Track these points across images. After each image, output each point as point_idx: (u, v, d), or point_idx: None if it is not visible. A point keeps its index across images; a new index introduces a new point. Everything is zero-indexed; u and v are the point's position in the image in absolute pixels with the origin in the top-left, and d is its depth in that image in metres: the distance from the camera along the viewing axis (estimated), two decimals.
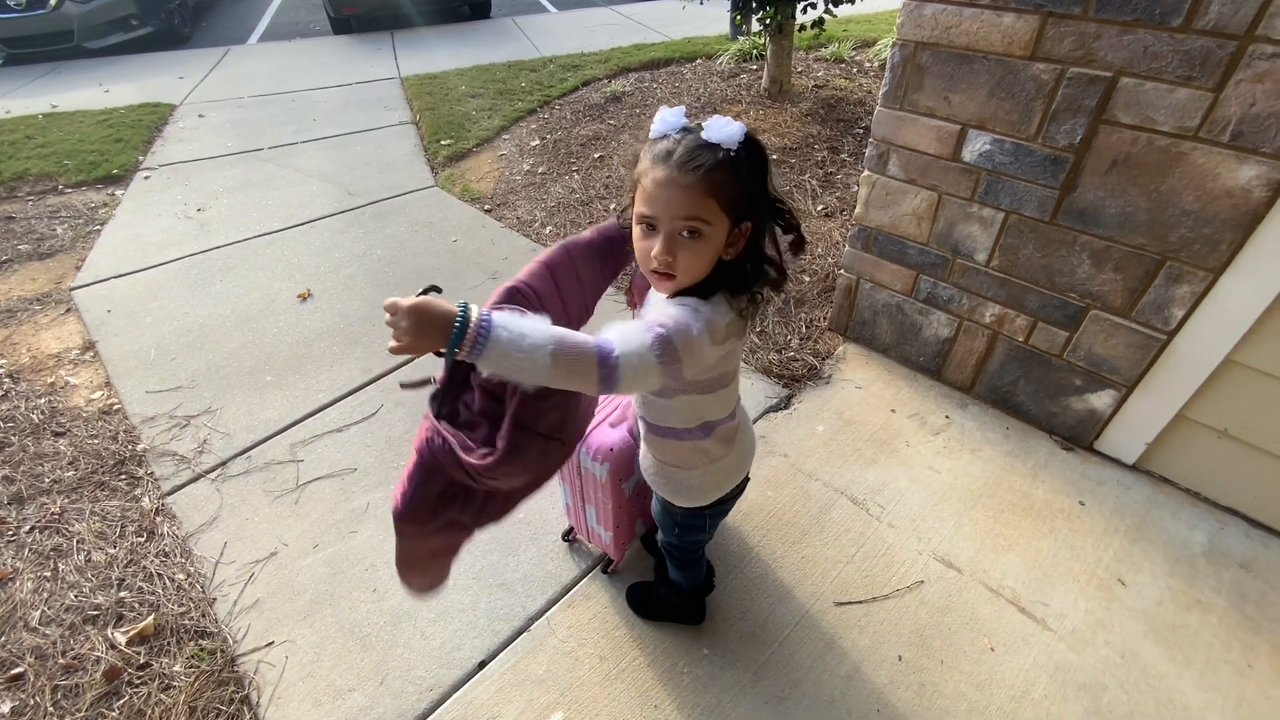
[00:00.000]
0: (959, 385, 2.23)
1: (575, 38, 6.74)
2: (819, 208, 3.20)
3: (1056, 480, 1.94)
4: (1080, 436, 2.02)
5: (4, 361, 2.58)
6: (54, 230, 3.48)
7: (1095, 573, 1.70)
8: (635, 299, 1.24)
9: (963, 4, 1.68)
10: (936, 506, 1.88)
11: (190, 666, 1.57)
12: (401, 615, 1.66)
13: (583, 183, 3.63)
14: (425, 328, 0.73)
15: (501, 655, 1.56)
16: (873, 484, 1.94)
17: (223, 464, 2.11)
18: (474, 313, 0.75)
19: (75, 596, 1.72)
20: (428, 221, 3.41)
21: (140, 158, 4.28)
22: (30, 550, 1.83)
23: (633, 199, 0.95)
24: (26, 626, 1.65)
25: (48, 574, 1.78)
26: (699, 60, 5.48)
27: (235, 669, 1.57)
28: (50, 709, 1.48)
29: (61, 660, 1.58)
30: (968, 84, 1.76)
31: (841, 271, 2.35)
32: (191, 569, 1.80)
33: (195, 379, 2.46)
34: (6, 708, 1.49)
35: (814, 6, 4.01)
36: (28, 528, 1.90)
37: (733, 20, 5.95)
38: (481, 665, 1.55)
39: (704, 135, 0.88)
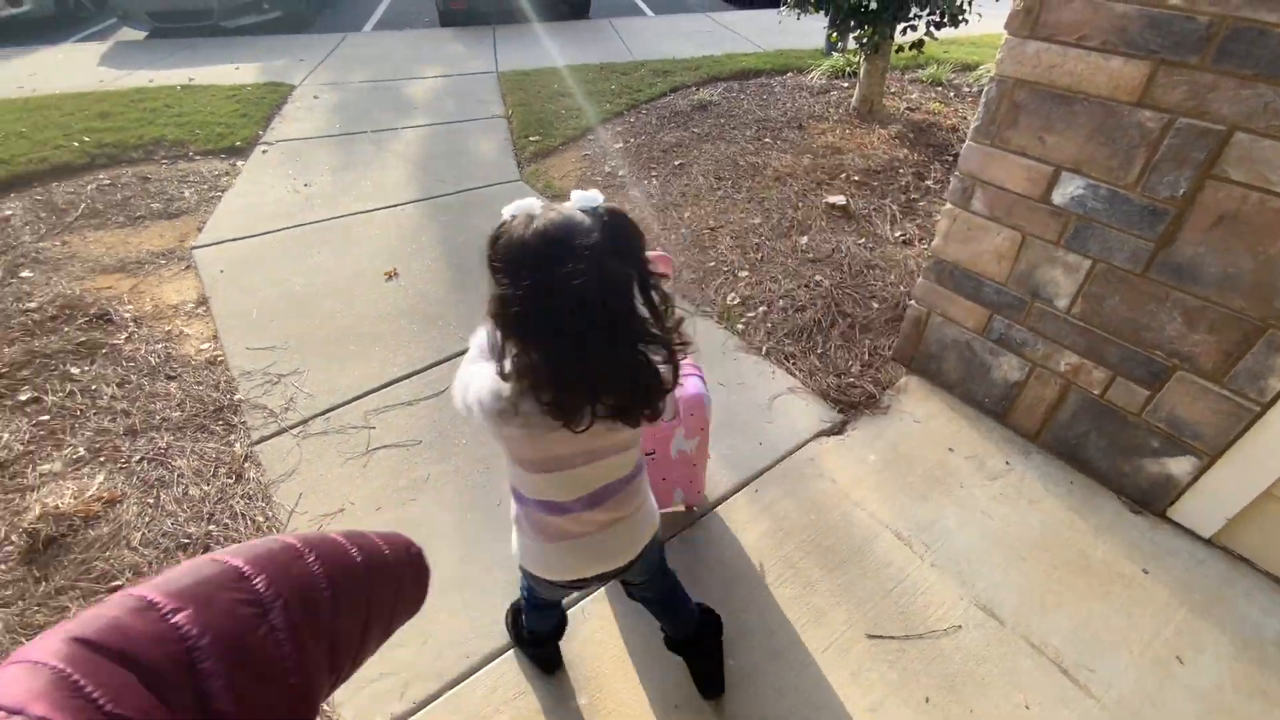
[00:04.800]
0: (1024, 432, 2.15)
1: (669, 43, 6.83)
2: (897, 234, 3.15)
3: (1120, 543, 1.85)
4: (1152, 501, 1.91)
5: (131, 308, 2.89)
6: (182, 193, 3.86)
7: (1151, 645, 1.62)
8: None
9: (1069, 44, 1.64)
10: (985, 552, 1.83)
11: None
12: (449, 584, 1.77)
13: (660, 188, 3.70)
14: None
15: None
16: (920, 521, 1.91)
17: (304, 421, 2.30)
18: None
19: (171, 524, 1.93)
20: None
21: (260, 132, 4.66)
22: (138, 479, 2.07)
23: None
24: (128, 546, 1.86)
25: (150, 501, 2.00)
26: (790, 74, 5.46)
27: None
28: None
29: None
30: (1065, 125, 1.70)
31: (912, 302, 2.32)
32: (270, 514, 1.98)
33: (289, 340, 2.68)
34: None
35: (914, 28, 3.92)
36: (138, 458, 2.14)
37: (828, 36, 5.88)
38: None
39: None
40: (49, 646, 0.37)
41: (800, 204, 3.39)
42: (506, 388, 0.89)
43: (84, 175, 4.07)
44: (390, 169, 4.14)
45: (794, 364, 2.44)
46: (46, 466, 2.11)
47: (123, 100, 5.07)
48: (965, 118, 4.21)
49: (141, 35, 7.37)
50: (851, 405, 2.28)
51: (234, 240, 3.38)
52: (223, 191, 3.89)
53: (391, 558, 0.65)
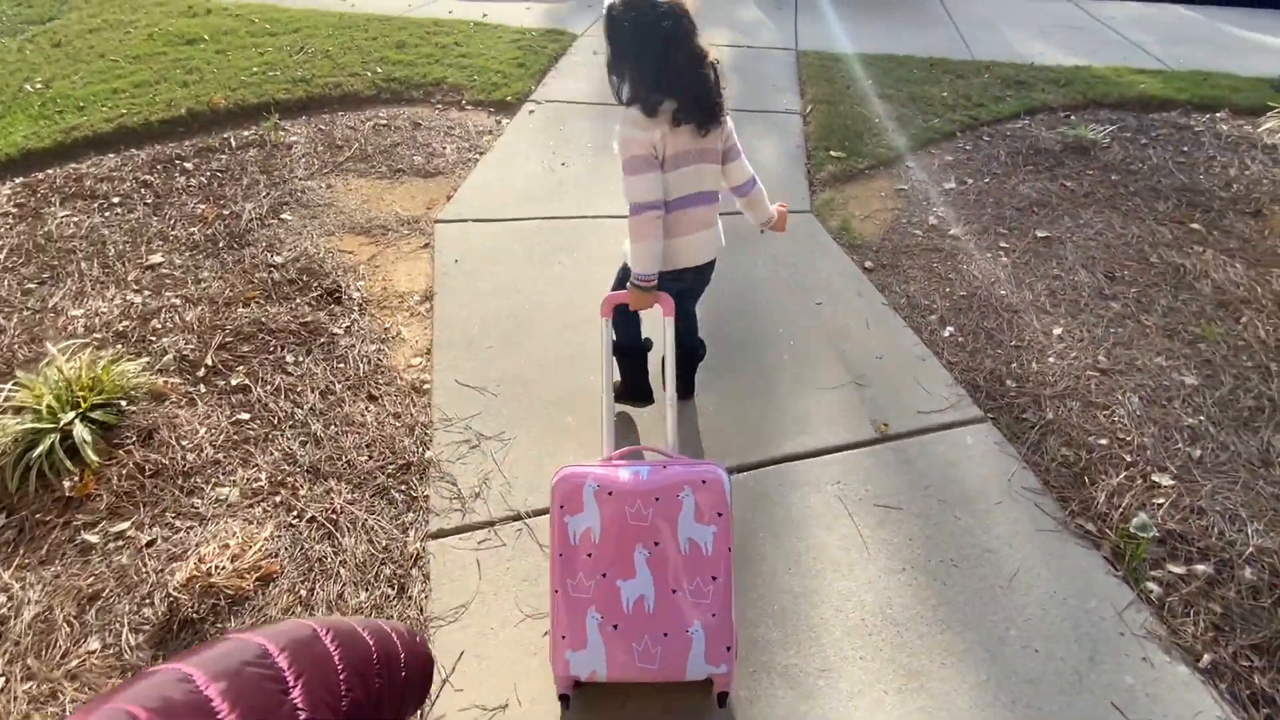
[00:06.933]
0: None
1: (1021, 39, 5.27)
2: None
3: None
4: None
5: (362, 286, 2.61)
6: (444, 148, 3.59)
7: None
8: None
9: None
10: None
11: None
12: None
13: (1013, 273, 2.58)
14: None
15: None
16: None
17: (491, 525, 1.77)
18: None
19: None
20: (790, 261, 2.73)
21: (532, 87, 4.29)
22: (301, 551, 1.68)
23: None
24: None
25: (303, 593, 1.60)
26: (1221, 113, 3.77)
27: None
28: None
29: None
30: None
31: None
32: None
33: (502, 384, 2.18)
34: None
35: None
36: (309, 515, 1.77)
37: None
38: None
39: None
40: (99, 713, 0.44)
41: (1276, 366, 2.09)
42: (642, 118, 1.44)
43: (367, 109, 4.01)
44: None
45: (1274, 715, 1.35)
46: (224, 490, 1.82)
47: (420, 31, 5.03)
48: None
49: None
50: None
51: (476, 221, 2.99)
52: (481, 154, 3.55)
53: (401, 646, 0.71)
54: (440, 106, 4.07)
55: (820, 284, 2.59)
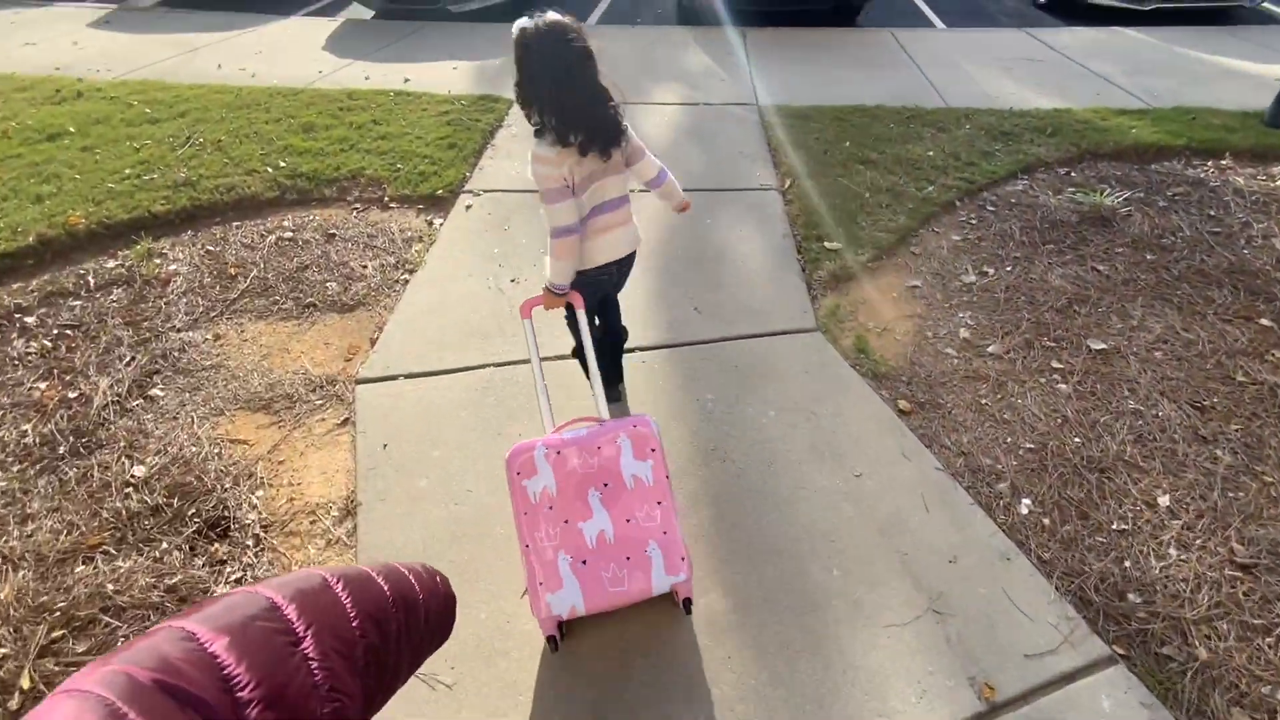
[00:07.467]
0: None
1: (986, 76, 4.99)
2: None
3: None
4: None
5: (259, 501, 1.96)
6: (364, 268, 2.96)
7: None
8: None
9: None
10: None
11: None
12: None
13: (1080, 409, 2.12)
14: None
15: None
16: None
17: None
18: None
19: None
20: (807, 407, 2.20)
21: (467, 173, 3.70)
22: None
23: None
24: None
25: None
26: (1227, 161, 3.48)
27: None
28: None
29: None
30: None
31: None
32: None
33: (457, 664, 1.57)
34: None
35: None
36: None
37: None
38: None
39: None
40: (95, 676, 0.41)
41: None
42: (550, 149, 1.53)
43: (269, 216, 3.34)
44: None
45: None
46: None
47: (332, 107, 4.39)
48: None
49: (369, 15, 6.89)
50: None
51: (408, 378, 2.37)
52: (410, 271, 2.94)
53: (419, 587, 0.70)
54: (358, 206, 3.44)
55: (852, 442, 2.07)
